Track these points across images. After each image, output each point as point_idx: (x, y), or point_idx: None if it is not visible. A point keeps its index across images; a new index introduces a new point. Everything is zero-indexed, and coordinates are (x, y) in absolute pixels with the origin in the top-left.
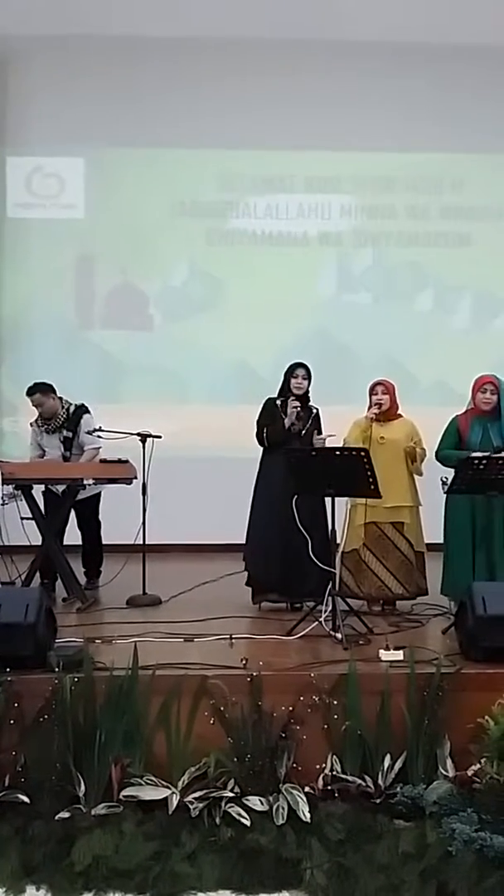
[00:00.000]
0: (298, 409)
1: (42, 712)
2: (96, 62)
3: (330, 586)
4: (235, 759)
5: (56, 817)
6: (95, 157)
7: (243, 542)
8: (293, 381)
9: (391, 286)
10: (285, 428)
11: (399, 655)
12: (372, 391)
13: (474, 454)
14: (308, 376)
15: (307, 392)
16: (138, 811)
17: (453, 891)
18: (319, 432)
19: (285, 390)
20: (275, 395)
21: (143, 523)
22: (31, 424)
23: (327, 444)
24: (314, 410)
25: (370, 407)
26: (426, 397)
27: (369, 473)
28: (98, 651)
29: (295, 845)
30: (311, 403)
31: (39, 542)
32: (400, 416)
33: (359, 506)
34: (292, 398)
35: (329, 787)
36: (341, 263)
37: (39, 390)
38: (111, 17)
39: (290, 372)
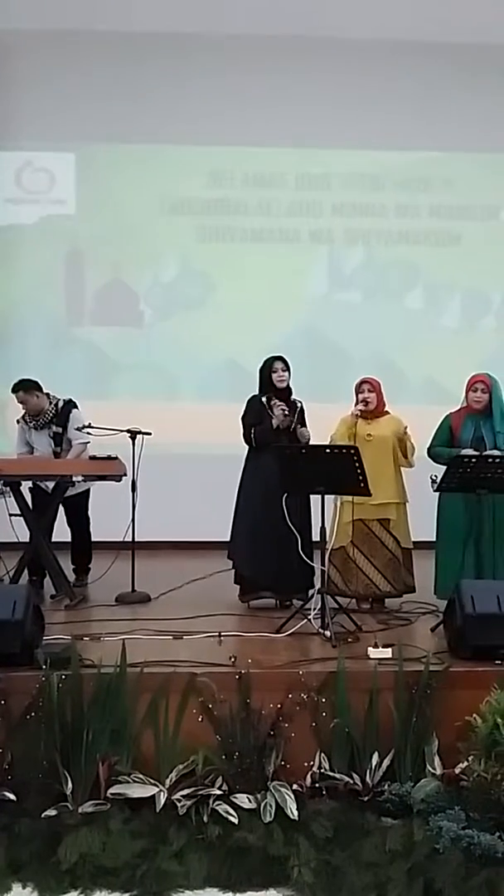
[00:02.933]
0: (286, 410)
1: (29, 710)
2: (88, 57)
3: (319, 584)
4: (223, 757)
5: (43, 815)
6: (86, 152)
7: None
8: (274, 375)
9: (381, 284)
10: (273, 428)
11: (387, 653)
12: (358, 389)
13: (465, 451)
14: (287, 368)
15: (289, 385)
16: (126, 809)
17: (440, 888)
18: (304, 426)
19: (266, 386)
20: (258, 392)
21: (133, 520)
22: (17, 422)
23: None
24: (298, 404)
25: (357, 405)
26: (416, 395)
27: (359, 471)
28: (86, 648)
29: (282, 843)
30: (294, 397)
31: (28, 539)
32: (387, 412)
33: (346, 503)
34: (277, 401)
35: (317, 785)
36: (332, 261)
37: (23, 388)
38: (103, 12)
39: (269, 366)
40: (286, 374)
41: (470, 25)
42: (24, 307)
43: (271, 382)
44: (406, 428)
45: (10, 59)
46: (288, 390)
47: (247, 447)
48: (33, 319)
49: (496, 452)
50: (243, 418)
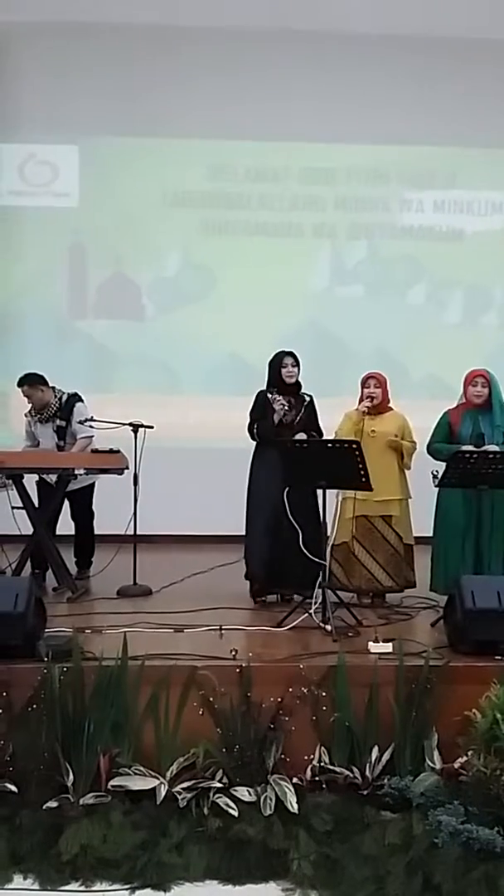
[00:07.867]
0: (286, 407)
1: (31, 702)
2: (91, 50)
3: (320, 578)
4: (224, 750)
5: (44, 807)
6: (89, 145)
7: (234, 532)
8: (283, 370)
9: (384, 279)
10: (275, 423)
11: (388, 648)
12: (364, 384)
13: (465, 447)
14: (297, 363)
15: (298, 380)
16: (126, 801)
17: (439, 882)
18: (314, 419)
19: (275, 381)
20: (265, 386)
21: (135, 513)
22: (25, 415)
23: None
24: (307, 398)
25: (361, 399)
26: (418, 390)
27: (361, 466)
28: (87, 641)
29: (282, 836)
30: (303, 391)
31: (30, 532)
32: (391, 409)
33: (349, 499)
34: (279, 397)
35: (317, 779)
36: (334, 256)
37: (27, 382)
38: (107, 4)
39: (279, 361)
40: (295, 369)
41: (475, 20)
42: (26, 300)
43: (280, 377)
44: (410, 432)
45: (14, 51)
46: (297, 385)
47: (252, 442)
48: (35, 312)
49: (494, 448)
50: (250, 412)
